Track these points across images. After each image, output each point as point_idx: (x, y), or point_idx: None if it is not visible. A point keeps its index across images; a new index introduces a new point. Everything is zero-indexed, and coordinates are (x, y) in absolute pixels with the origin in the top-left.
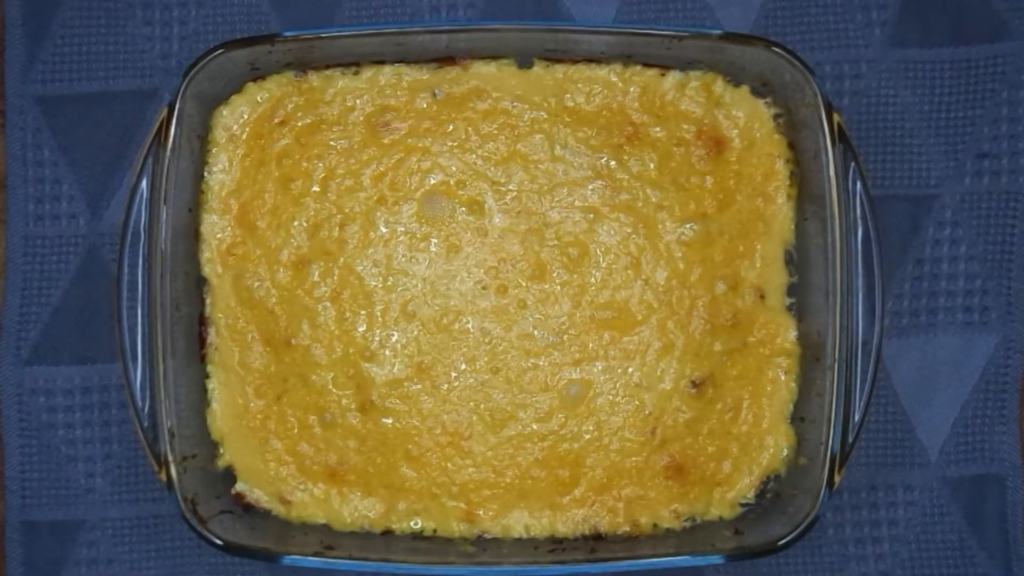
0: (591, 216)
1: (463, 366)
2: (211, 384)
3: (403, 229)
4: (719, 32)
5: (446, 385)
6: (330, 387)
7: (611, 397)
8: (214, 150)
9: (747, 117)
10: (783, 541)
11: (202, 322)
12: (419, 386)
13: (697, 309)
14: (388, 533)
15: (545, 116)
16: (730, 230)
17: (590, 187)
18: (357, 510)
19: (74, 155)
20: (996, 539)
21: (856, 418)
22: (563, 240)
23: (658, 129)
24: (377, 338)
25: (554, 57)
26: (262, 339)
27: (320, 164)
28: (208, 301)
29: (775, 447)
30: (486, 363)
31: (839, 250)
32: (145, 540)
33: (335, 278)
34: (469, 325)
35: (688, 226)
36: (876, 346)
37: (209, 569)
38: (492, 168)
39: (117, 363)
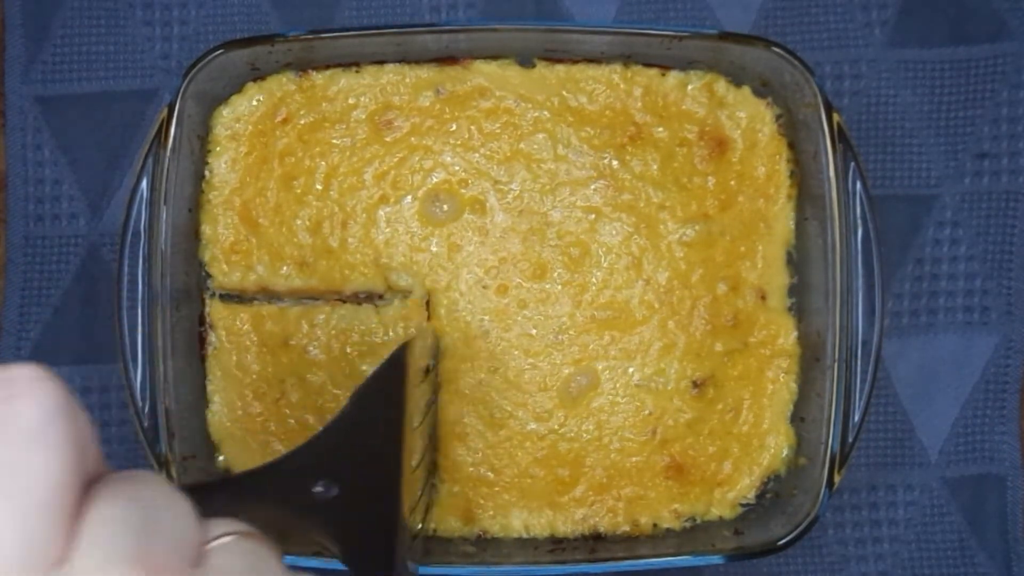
0: (593, 216)
1: (461, 365)
2: (210, 386)
3: (404, 228)
4: (719, 32)
5: (445, 383)
6: (328, 386)
7: (611, 397)
8: (216, 149)
9: (749, 118)
10: (783, 541)
11: (202, 322)
12: None
13: (698, 309)
14: None
15: (548, 115)
16: (732, 231)
17: (592, 187)
18: None
19: (74, 155)
20: (996, 539)
21: (856, 418)
22: (564, 240)
23: (661, 129)
24: (378, 337)
25: (554, 57)
26: (259, 340)
27: (323, 162)
28: (208, 301)
29: (775, 447)
30: (484, 362)
31: (839, 250)
32: None
33: (337, 275)
34: (468, 324)
35: (690, 226)
36: (876, 346)
37: None
38: (495, 167)
39: (117, 363)
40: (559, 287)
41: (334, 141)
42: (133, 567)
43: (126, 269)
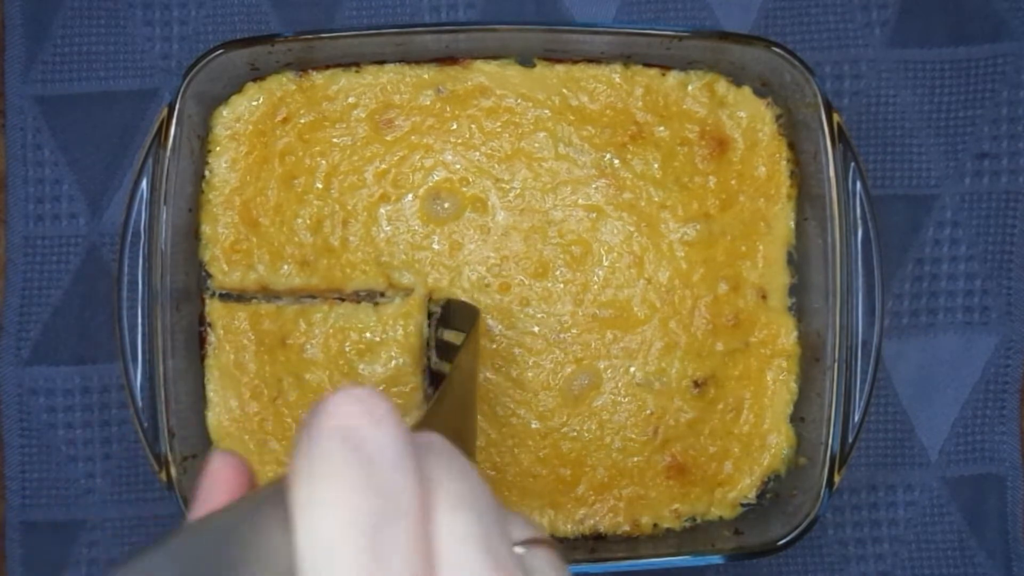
0: (594, 215)
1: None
2: (209, 386)
3: (405, 226)
4: (719, 32)
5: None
6: (326, 385)
7: (613, 396)
8: (216, 149)
9: (750, 118)
10: (783, 541)
11: (202, 322)
12: None
13: (699, 309)
14: None
15: (549, 114)
16: (732, 230)
17: (593, 185)
18: None
19: (74, 155)
20: (996, 539)
21: (856, 418)
22: (566, 238)
23: (662, 128)
24: (376, 336)
25: (554, 57)
26: (257, 339)
27: (323, 161)
28: (208, 301)
29: (776, 447)
30: (487, 360)
31: (839, 250)
32: (145, 540)
33: (338, 273)
34: None
35: (691, 226)
36: (876, 346)
37: None
38: (496, 165)
39: (117, 363)
40: (561, 285)
41: (334, 140)
42: None
43: (126, 269)
